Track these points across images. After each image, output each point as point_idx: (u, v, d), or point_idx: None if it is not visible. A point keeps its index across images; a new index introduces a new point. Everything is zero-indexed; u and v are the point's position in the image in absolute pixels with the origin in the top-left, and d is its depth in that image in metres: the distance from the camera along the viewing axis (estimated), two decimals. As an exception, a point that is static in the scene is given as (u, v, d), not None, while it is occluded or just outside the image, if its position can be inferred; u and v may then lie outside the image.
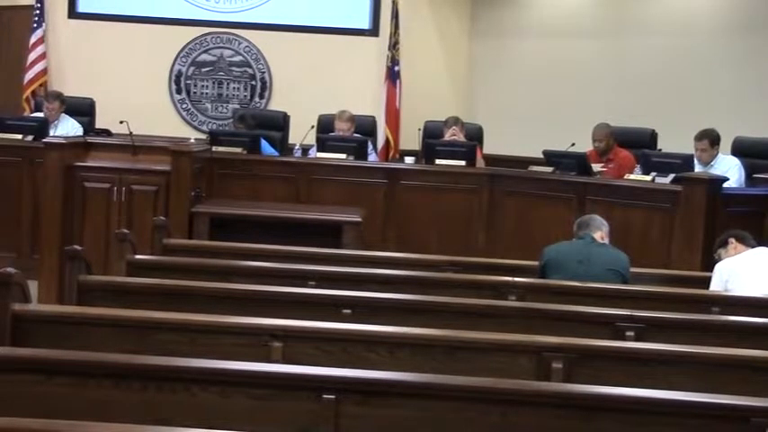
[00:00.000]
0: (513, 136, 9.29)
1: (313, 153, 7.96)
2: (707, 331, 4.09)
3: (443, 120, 8.43)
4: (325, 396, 2.88)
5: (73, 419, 2.62)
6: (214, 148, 7.57)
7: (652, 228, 6.42)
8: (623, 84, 9.15)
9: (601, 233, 5.10)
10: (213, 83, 10.00)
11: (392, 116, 9.58)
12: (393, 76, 9.60)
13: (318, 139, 8.14)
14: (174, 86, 9.98)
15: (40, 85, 9.62)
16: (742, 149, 7.39)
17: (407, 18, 9.71)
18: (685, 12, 9.02)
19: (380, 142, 9.40)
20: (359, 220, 6.58)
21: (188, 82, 9.98)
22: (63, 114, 8.27)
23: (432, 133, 8.69)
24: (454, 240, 7.34)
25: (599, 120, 7.73)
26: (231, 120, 9.28)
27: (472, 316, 4.08)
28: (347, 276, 4.81)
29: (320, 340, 3.49)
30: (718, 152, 7.02)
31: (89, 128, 8.46)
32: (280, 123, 8.83)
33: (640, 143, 7.76)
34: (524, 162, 7.89)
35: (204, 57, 9.97)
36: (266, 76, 9.94)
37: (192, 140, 8.04)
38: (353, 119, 8.34)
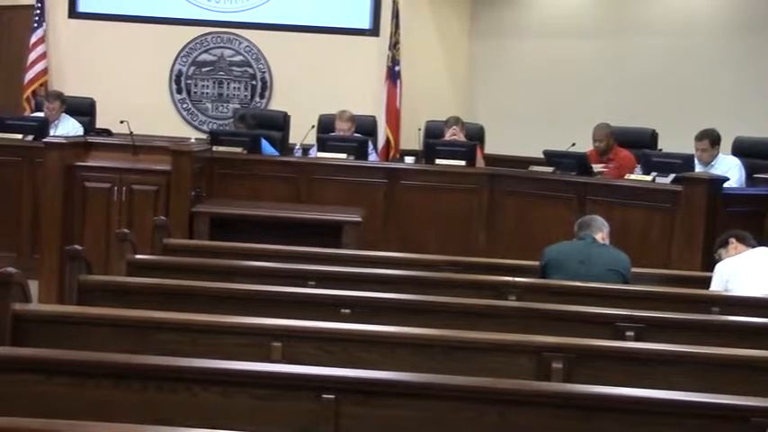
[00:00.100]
0: (513, 136, 9.30)
1: (313, 153, 7.97)
2: (707, 331, 4.09)
3: (444, 120, 8.44)
4: (325, 396, 2.88)
5: (73, 419, 2.62)
6: (214, 148, 7.58)
7: (652, 228, 6.42)
8: (623, 84, 9.15)
9: (602, 234, 5.10)
10: (214, 83, 10.00)
11: (392, 116, 9.58)
12: (393, 75, 9.60)
13: (319, 139, 8.14)
14: (174, 86, 9.99)
15: (41, 85, 9.62)
16: (742, 149, 7.39)
17: (408, 18, 9.71)
18: (685, 12, 9.02)
19: (381, 142, 9.40)
20: (359, 219, 6.58)
21: (188, 82, 9.98)
22: (63, 114, 8.27)
23: (432, 133, 8.69)
24: (454, 240, 7.34)
25: (599, 120, 7.73)
26: (231, 119, 9.28)
27: (472, 316, 4.08)
28: (347, 276, 4.81)
29: (320, 340, 3.49)
30: (718, 152, 7.02)
31: (89, 128, 8.46)
32: (280, 123, 8.83)
33: (641, 143, 7.76)
34: (525, 162, 7.90)
35: (205, 56, 9.97)
36: (267, 75, 9.95)
37: (193, 140, 8.04)
38: (354, 119, 8.34)
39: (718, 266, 5.10)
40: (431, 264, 5.43)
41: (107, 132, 8.10)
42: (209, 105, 10.01)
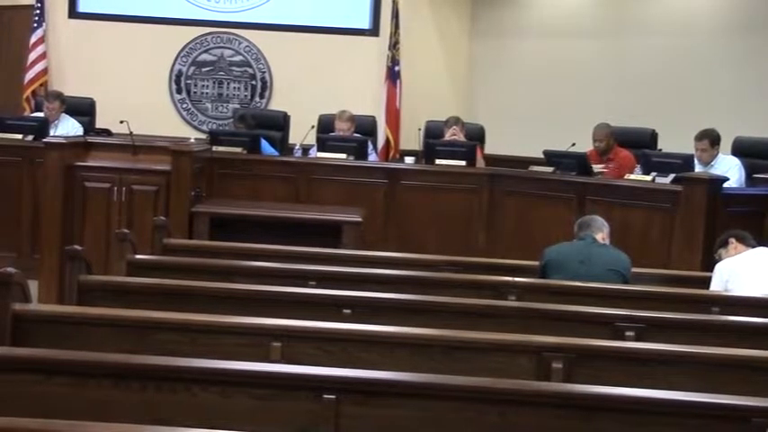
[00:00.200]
0: (513, 136, 9.29)
1: (313, 153, 7.96)
2: (707, 331, 4.09)
3: (444, 120, 8.44)
4: (325, 396, 2.88)
5: (72, 419, 2.62)
6: (214, 148, 7.58)
7: (652, 228, 6.42)
8: (623, 84, 9.16)
9: (602, 234, 5.10)
10: (213, 83, 10.00)
11: (392, 116, 9.58)
12: (393, 75, 9.60)
13: (318, 139, 8.14)
14: (174, 86, 9.99)
15: (41, 85, 9.62)
16: (742, 149, 7.39)
17: (408, 18, 9.71)
18: (685, 12, 9.02)
19: (380, 142, 9.40)
20: (359, 220, 6.58)
21: (188, 82, 9.98)
22: (63, 114, 8.27)
23: (433, 133, 8.69)
24: (454, 240, 7.34)
25: (599, 120, 7.73)
26: (231, 119, 9.28)
27: (472, 316, 4.08)
28: (347, 276, 4.80)
29: (320, 340, 3.49)
30: (718, 152, 7.02)
31: (89, 128, 8.46)
32: (280, 123, 8.83)
33: (640, 143, 7.76)
34: (525, 162, 7.90)
35: (204, 56, 9.97)
36: (266, 75, 9.95)
37: (193, 140, 8.04)
38: (354, 119, 8.34)
39: (717, 266, 5.10)
40: (431, 264, 5.43)
41: (107, 132, 8.10)
42: (208, 105, 10.01)
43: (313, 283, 4.65)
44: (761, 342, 3.82)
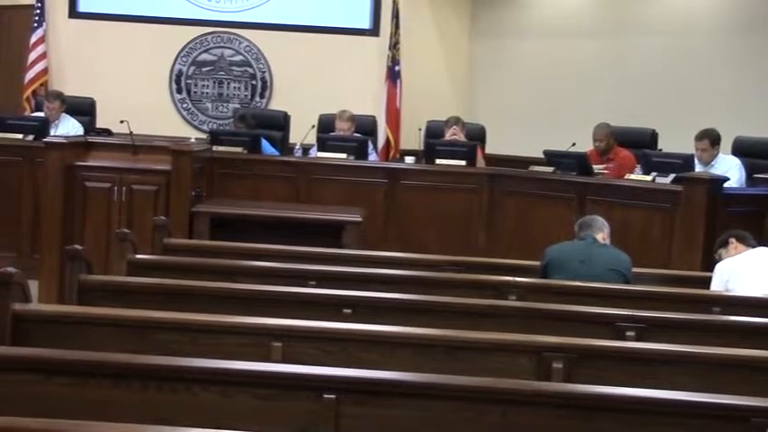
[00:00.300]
0: (513, 136, 9.29)
1: (313, 153, 7.96)
2: (707, 331, 4.09)
3: (444, 119, 8.44)
4: (325, 396, 2.88)
5: (73, 419, 2.61)
6: (214, 148, 7.58)
7: (652, 228, 6.42)
8: (623, 84, 9.16)
9: (602, 234, 5.10)
10: (214, 82, 10.00)
11: (392, 116, 9.58)
12: (393, 75, 9.60)
13: (319, 139, 8.14)
14: (174, 86, 9.98)
15: (41, 85, 9.62)
16: (742, 149, 7.39)
17: (408, 18, 9.71)
18: (685, 12, 9.02)
19: (381, 142, 9.40)
20: (359, 219, 6.58)
21: (188, 81, 9.98)
22: (63, 114, 8.26)
23: (433, 133, 8.69)
24: (454, 240, 7.34)
25: (599, 120, 7.73)
26: (232, 119, 9.28)
27: (473, 316, 4.08)
28: (348, 276, 4.80)
29: (321, 340, 3.49)
30: (718, 152, 7.02)
31: (89, 127, 8.46)
32: (280, 123, 8.84)
33: (641, 143, 7.76)
34: (525, 162, 7.90)
35: (205, 56, 9.97)
36: (267, 75, 9.95)
37: (193, 140, 8.04)
38: (354, 118, 8.34)
39: (718, 266, 5.10)
40: (432, 264, 5.43)
41: (107, 132, 8.09)
42: (209, 105, 10.01)
43: (313, 282, 4.65)
44: (761, 342, 3.82)
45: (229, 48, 9.95)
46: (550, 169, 7.33)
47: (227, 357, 3.17)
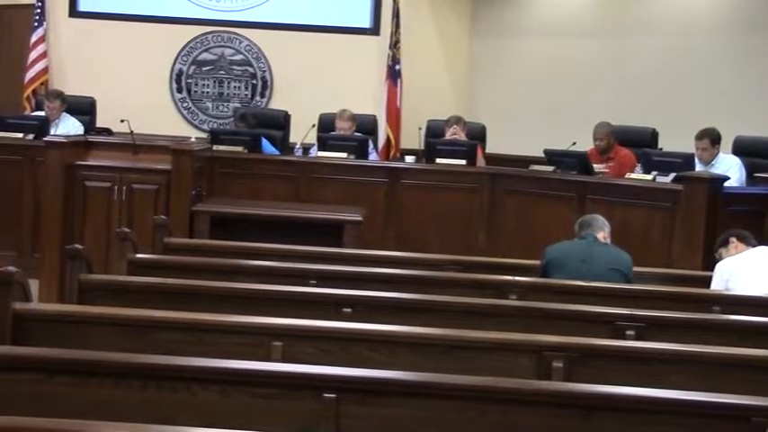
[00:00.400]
0: (513, 135, 9.29)
1: (314, 152, 7.97)
2: (708, 330, 4.09)
3: (445, 119, 8.44)
4: (325, 395, 2.88)
5: (73, 418, 2.62)
6: (215, 147, 7.58)
7: (653, 227, 6.42)
8: (624, 83, 9.16)
9: (603, 233, 5.10)
10: (214, 82, 10.00)
11: (393, 115, 9.58)
12: (394, 75, 9.60)
13: (319, 138, 8.14)
14: (174, 85, 9.98)
15: (41, 84, 9.62)
16: (742, 149, 7.39)
17: (408, 17, 9.70)
18: (685, 11, 9.02)
19: (381, 141, 9.40)
20: (359, 219, 6.58)
21: (189, 81, 9.98)
22: (64, 113, 8.27)
23: (434, 132, 8.69)
24: (455, 239, 7.34)
25: (600, 119, 7.73)
26: (232, 119, 9.28)
27: (473, 315, 4.08)
28: (348, 275, 4.80)
29: (321, 339, 3.49)
30: (718, 151, 7.03)
31: (90, 127, 8.46)
32: (280, 122, 8.84)
33: (641, 142, 7.76)
34: (525, 161, 7.89)
35: (205, 56, 9.97)
36: (267, 74, 9.95)
37: (193, 139, 8.05)
38: (354, 118, 8.34)
39: (718, 266, 5.10)
40: (432, 263, 5.43)
41: (107, 131, 8.09)
42: (209, 104, 10.01)
43: (314, 282, 4.65)
44: (762, 341, 3.82)
45: (230, 47, 9.95)
46: (551, 168, 7.33)
47: (227, 357, 3.17)
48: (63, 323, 3.54)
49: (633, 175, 6.92)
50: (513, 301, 4.50)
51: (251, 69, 9.96)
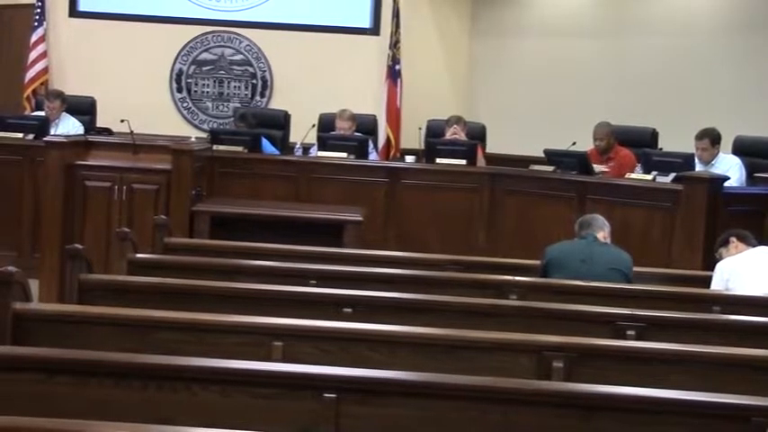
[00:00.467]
0: (513, 135, 9.29)
1: (314, 152, 7.97)
2: (708, 330, 4.09)
3: (445, 119, 8.44)
4: (326, 395, 2.87)
5: (73, 418, 2.61)
6: (215, 147, 7.58)
7: (653, 227, 6.42)
8: (624, 83, 9.16)
9: (603, 233, 5.10)
10: (214, 81, 10.00)
11: (393, 115, 9.58)
12: (394, 75, 9.60)
13: (319, 138, 8.14)
14: (174, 85, 9.98)
15: (41, 84, 9.61)
16: (743, 148, 7.39)
17: (408, 17, 9.70)
18: (686, 11, 9.02)
19: (381, 141, 9.40)
20: (360, 219, 6.57)
21: (189, 81, 9.98)
22: (64, 113, 8.27)
23: (434, 132, 8.69)
24: (455, 239, 7.34)
25: (600, 119, 7.73)
26: (232, 118, 9.28)
27: (473, 315, 4.08)
28: (348, 275, 4.80)
29: (321, 339, 3.49)
30: (718, 151, 7.03)
31: (90, 127, 8.45)
32: (280, 122, 8.84)
33: (641, 142, 7.76)
34: (525, 161, 7.89)
35: (205, 55, 9.97)
36: (267, 74, 9.94)
37: (193, 139, 8.04)
38: (354, 118, 8.34)
39: (718, 265, 5.10)
40: (432, 263, 5.43)
41: (107, 131, 8.09)
42: (209, 104, 10.01)
43: (314, 282, 4.64)
44: (762, 341, 3.82)
45: (230, 47, 9.95)
46: (551, 168, 7.33)
47: (227, 357, 3.17)
48: (63, 323, 3.54)
49: (633, 175, 6.92)
50: (513, 301, 4.49)
51: (251, 69, 9.96)
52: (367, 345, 3.47)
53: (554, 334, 3.60)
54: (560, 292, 4.62)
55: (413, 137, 8.84)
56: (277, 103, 9.76)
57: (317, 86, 9.57)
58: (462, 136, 8.18)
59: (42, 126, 7.73)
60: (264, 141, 7.97)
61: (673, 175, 6.49)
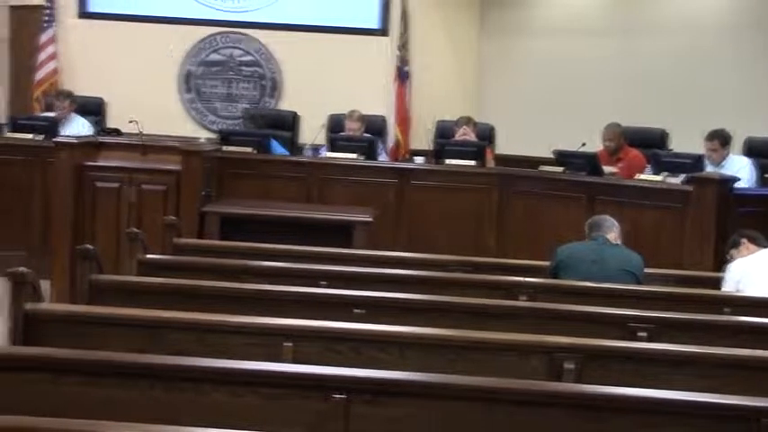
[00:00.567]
0: (522, 136, 9.27)
1: (323, 153, 7.97)
2: (719, 332, 4.07)
3: (454, 119, 8.43)
4: (335, 395, 2.87)
5: (83, 418, 2.62)
6: (224, 148, 7.58)
7: (663, 228, 6.40)
8: (633, 84, 9.13)
9: (613, 234, 5.08)
10: (223, 82, 10.01)
11: (402, 116, 9.59)
12: (403, 75, 9.61)
13: (329, 139, 8.14)
14: (183, 86, 9.99)
15: (51, 85, 9.64)
16: (754, 150, 7.37)
17: (417, 18, 9.71)
18: (695, 11, 9.00)
19: (390, 142, 9.40)
20: (370, 219, 6.57)
21: (198, 81, 9.99)
22: (73, 114, 8.29)
23: (444, 133, 8.69)
24: (464, 240, 7.33)
25: (609, 119, 7.72)
26: (241, 119, 9.28)
27: (483, 316, 4.07)
28: (358, 276, 4.80)
29: (331, 340, 3.49)
30: (728, 152, 7.01)
31: (99, 127, 8.47)
32: (290, 123, 8.84)
33: (651, 143, 7.75)
34: (535, 162, 7.88)
35: (214, 56, 9.98)
36: (276, 75, 9.95)
37: (203, 140, 8.07)
38: (364, 118, 8.34)
39: (729, 267, 5.08)
40: (441, 264, 5.42)
41: (117, 132, 8.10)
42: (218, 105, 10.01)
43: (324, 282, 4.64)
44: (773, 343, 3.81)
45: (238, 48, 9.96)
46: (560, 169, 7.32)
47: (237, 357, 3.17)
48: (74, 323, 3.55)
49: (643, 176, 6.90)
50: (523, 303, 4.49)
51: (260, 70, 9.96)
52: (377, 346, 3.47)
53: (565, 335, 3.59)
54: (571, 294, 4.61)
55: (422, 138, 8.84)
56: (286, 103, 9.77)
57: (325, 87, 9.57)
58: (472, 137, 8.18)
59: (52, 127, 7.75)
60: (273, 142, 7.97)
61: (683, 176, 6.47)
